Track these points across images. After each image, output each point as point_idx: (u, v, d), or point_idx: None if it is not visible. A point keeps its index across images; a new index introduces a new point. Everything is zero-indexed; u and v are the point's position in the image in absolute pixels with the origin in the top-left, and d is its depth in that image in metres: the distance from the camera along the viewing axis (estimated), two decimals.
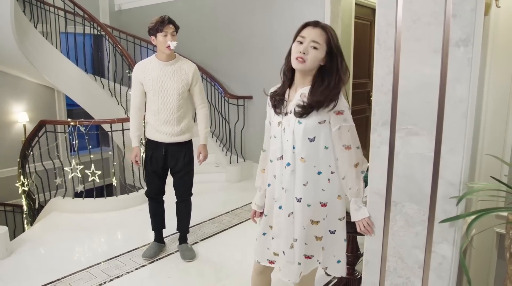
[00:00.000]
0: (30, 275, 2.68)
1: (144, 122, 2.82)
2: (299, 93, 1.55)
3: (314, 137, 1.53)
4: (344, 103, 1.53)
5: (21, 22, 4.89)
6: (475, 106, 1.37)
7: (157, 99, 2.60)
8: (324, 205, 1.59)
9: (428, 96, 1.36)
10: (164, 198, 2.91)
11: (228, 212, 3.77)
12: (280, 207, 1.63)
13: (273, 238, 1.68)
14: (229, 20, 4.96)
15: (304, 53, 1.47)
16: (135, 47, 5.68)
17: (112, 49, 5.33)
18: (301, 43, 1.48)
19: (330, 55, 1.50)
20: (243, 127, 4.95)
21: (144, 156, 2.80)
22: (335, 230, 1.64)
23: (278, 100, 1.60)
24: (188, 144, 2.76)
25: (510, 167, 1.73)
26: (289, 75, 1.59)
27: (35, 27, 5.20)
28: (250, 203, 4.16)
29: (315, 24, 1.50)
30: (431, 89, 1.35)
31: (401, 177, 1.46)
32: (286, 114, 1.57)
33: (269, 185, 1.69)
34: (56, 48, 5.29)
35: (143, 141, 2.89)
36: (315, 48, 1.47)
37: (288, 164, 1.57)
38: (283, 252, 1.63)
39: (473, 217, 1.30)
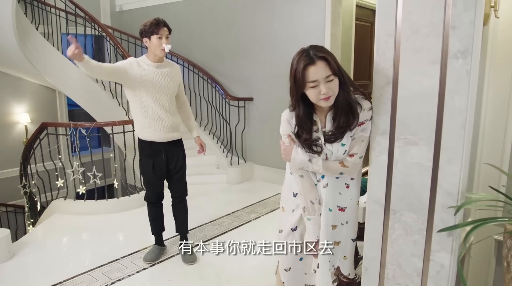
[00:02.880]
0: (32, 278, 2.71)
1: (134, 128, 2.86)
2: (330, 118, 1.52)
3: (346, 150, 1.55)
4: (367, 114, 1.49)
5: (22, 24, 4.91)
6: (473, 116, 1.38)
7: (153, 101, 2.60)
8: (341, 209, 1.61)
9: (427, 106, 1.37)
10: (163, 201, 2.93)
11: (229, 214, 3.78)
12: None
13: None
14: (230, 21, 4.96)
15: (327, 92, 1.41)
16: (136, 48, 5.69)
17: (113, 50, 5.34)
18: (315, 86, 1.41)
19: (340, 74, 1.44)
20: (244, 129, 4.96)
21: (142, 163, 2.81)
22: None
23: (312, 144, 1.53)
24: (182, 142, 2.83)
25: (508, 177, 1.74)
26: (307, 115, 1.51)
27: (37, 29, 5.21)
28: (251, 204, 4.13)
29: (311, 60, 1.39)
30: (430, 99, 1.36)
31: (400, 186, 1.48)
32: (324, 143, 1.53)
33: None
34: (57, 49, 5.30)
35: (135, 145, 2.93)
36: (330, 81, 1.41)
37: (328, 184, 1.58)
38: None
39: (471, 226, 1.31)
